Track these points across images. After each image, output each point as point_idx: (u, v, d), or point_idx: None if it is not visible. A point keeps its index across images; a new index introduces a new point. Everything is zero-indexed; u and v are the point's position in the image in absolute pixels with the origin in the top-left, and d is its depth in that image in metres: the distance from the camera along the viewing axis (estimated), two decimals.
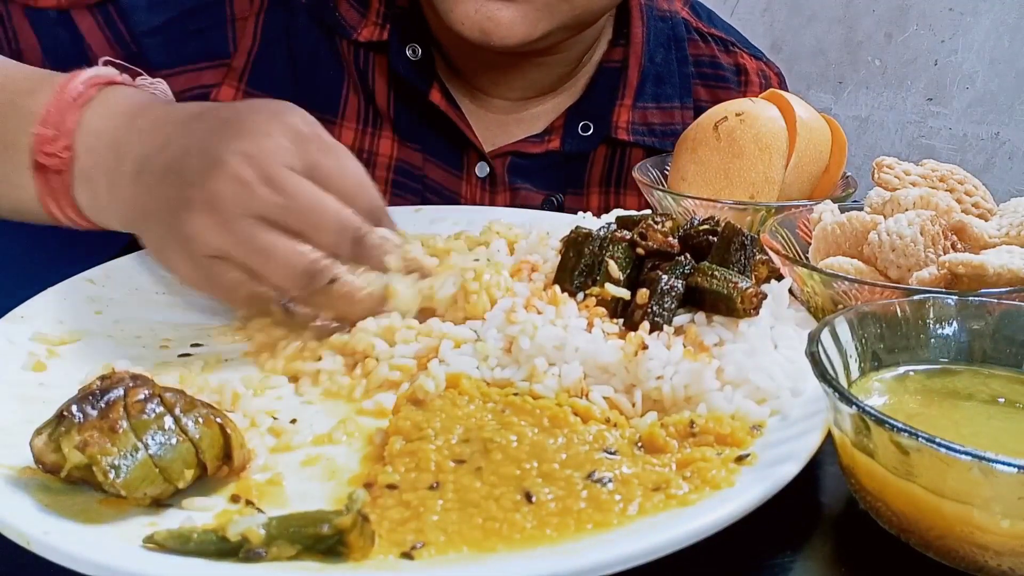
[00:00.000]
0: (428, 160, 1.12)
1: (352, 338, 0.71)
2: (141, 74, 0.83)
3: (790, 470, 0.54)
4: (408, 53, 1.08)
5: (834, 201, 0.83)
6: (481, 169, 1.12)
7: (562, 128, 1.13)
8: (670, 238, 0.73)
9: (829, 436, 0.57)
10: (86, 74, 0.76)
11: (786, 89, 1.16)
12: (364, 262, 0.71)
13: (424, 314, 0.74)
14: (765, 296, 0.68)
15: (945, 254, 0.71)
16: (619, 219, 0.79)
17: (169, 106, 0.78)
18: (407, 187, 1.12)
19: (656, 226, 0.74)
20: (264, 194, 0.67)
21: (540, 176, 1.13)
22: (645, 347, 0.64)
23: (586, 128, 1.13)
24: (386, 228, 0.74)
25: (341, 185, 0.71)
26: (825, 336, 0.57)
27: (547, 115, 1.15)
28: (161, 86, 0.84)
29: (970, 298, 0.61)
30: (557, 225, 0.91)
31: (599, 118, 1.13)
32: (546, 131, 1.14)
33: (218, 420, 0.56)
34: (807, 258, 0.79)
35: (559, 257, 0.75)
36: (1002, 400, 0.57)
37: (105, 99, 0.76)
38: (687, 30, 1.19)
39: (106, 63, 0.80)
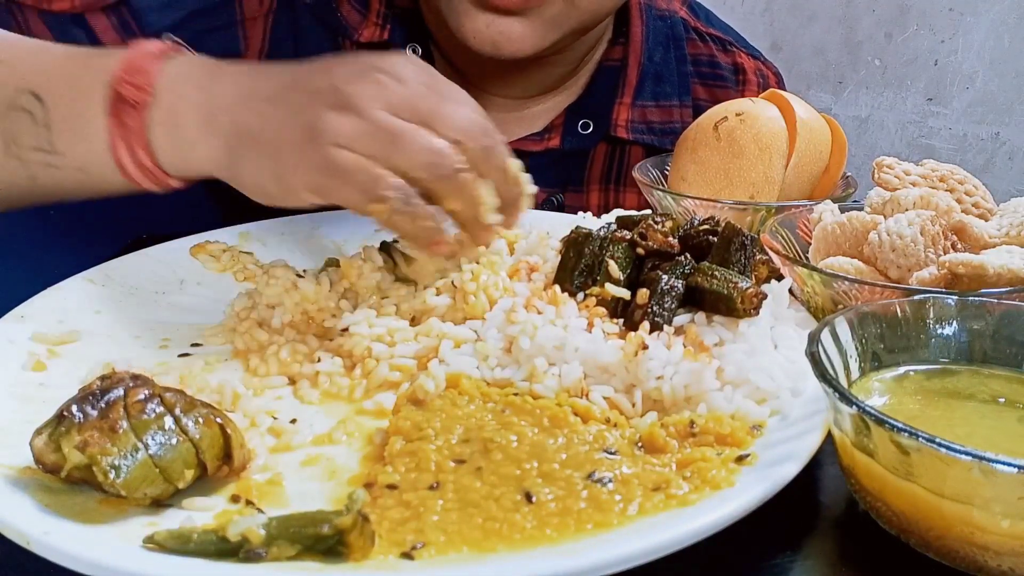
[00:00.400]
0: None
1: (349, 341, 0.71)
2: None
3: (790, 470, 0.53)
4: (409, 53, 1.08)
5: (834, 201, 0.83)
6: None
7: (562, 126, 1.13)
8: (670, 238, 0.73)
9: (829, 436, 0.57)
10: (157, 41, 0.77)
11: (784, 89, 1.16)
12: (485, 174, 0.72)
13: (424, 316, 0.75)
14: (765, 296, 0.68)
15: (945, 254, 0.71)
16: (619, 219, 0.79)
17: (255, 62, 0.80)
18: None
19: (656, 226, 0.74)
20: (392, 88, 0.69)
21: (540, 174, 1.13)
22: (645, 347, 0.64)
23: (586, 126, 1.13)
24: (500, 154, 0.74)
25: (456, 103, 0.73)
26: (825, 336, 0.57)
27: (547, 113, 1.15)
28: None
29: (970, 298, 0.61)
30: (557, 225, 0.91)
31: (599, 116, 1.13)
32: (546, 129, 1.14)
33: (218, 420, 0.56)
34: (807, 258, 0.79)
35: (559, 257, 0.75)
36: (1002, 400, 0.57)
37: (185, 54, 0.77)
38: (685, 29, 1.20)
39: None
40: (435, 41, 1.10)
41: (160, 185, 0.77)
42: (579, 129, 1.13)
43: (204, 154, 0.74)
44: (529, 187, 0.78)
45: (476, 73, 1.12)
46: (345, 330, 0.73)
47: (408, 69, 0.72)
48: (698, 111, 1.13)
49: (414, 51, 1.08)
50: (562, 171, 1.15)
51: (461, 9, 0.97)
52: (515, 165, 0.76)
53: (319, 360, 0.71)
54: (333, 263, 0.84)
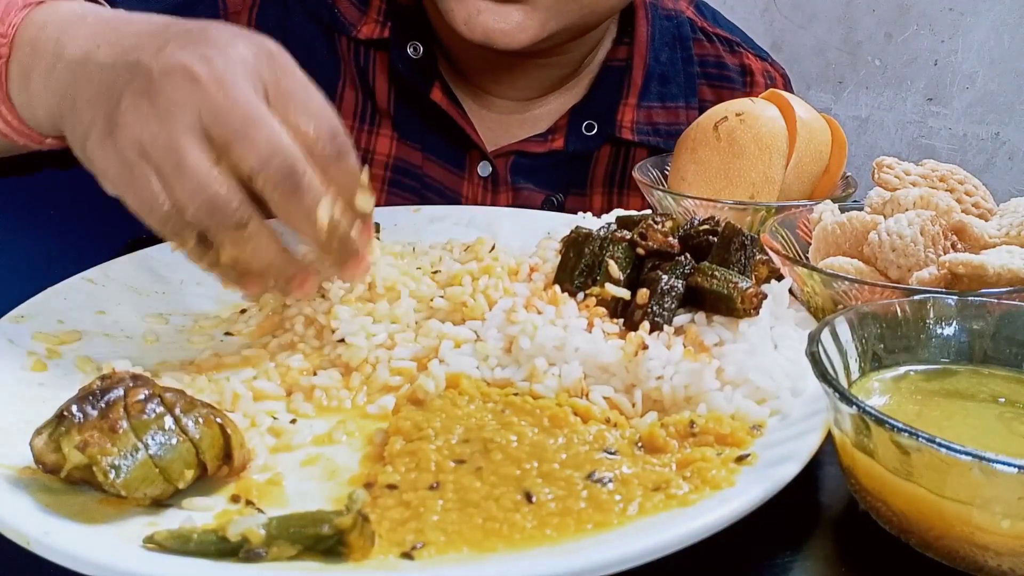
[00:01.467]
0: (428, 159, 1.12)
1: (347, 351, 0.70)
2: None
3: (790, 470, 0.53)
4: (409, 51, 1.07)
5: (834, 201, 0.83)
6: (483, 168, 1.12)
7: (566, 127, 1.13)
8: (670, 238, 0.73)
9: (829, 436, 0.57)
10: None
11: (791, 90, 1.16)
12: (296, 199, 0.61)
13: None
14: (765, 296, 0.68)
15: (945, 254, 0.71)
16: (619, 219, 0.79)
17: (127, 13, 0.71)
18: (405, 186, 1.11)
19: (656, 226, 0.74)
20: (207, 92, 0.60)
21: (543, 176, 1.13)
22: (645, 347, 0.64)
23: (590, 128, 1.12)
24: (348, 163, 0.64)
25: (302, 106, 0.63)
26: (825, 336, 0.57)
27: (551, 115, 1.15)
28: None
29: (970, 298, 0.61)
30: (557, 225, 0.91)
31: (603, 117, 1.12)
32: (550, 130, 1.13)
33: (218, 420, 0.56)
34: (807, 258, 0.79)
35: (559, 257, 0.75)
36: (1002, 400, 0.57)
37: (58, 3, 0.71)
38: (692, 29, 1.19)
39: None
40: (437, 40, 1.10)
41: (33, 141, 0.72)
42: (583, 131, 1.12)
43: (43, 110, 0.69)
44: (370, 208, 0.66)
45: (478, 72, 1.11)
46: (341, 340, 0.72)
47: (237, 69, 0.62)
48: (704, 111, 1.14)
49: (415, 49, 1.08)
50: (565, 173, 1.14)
51: None
52: (323, 209, 0.62)
53: (315, 374, 0.69)
54: None
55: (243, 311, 0.81)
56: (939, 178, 0.81)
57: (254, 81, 0.62)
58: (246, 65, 0.62)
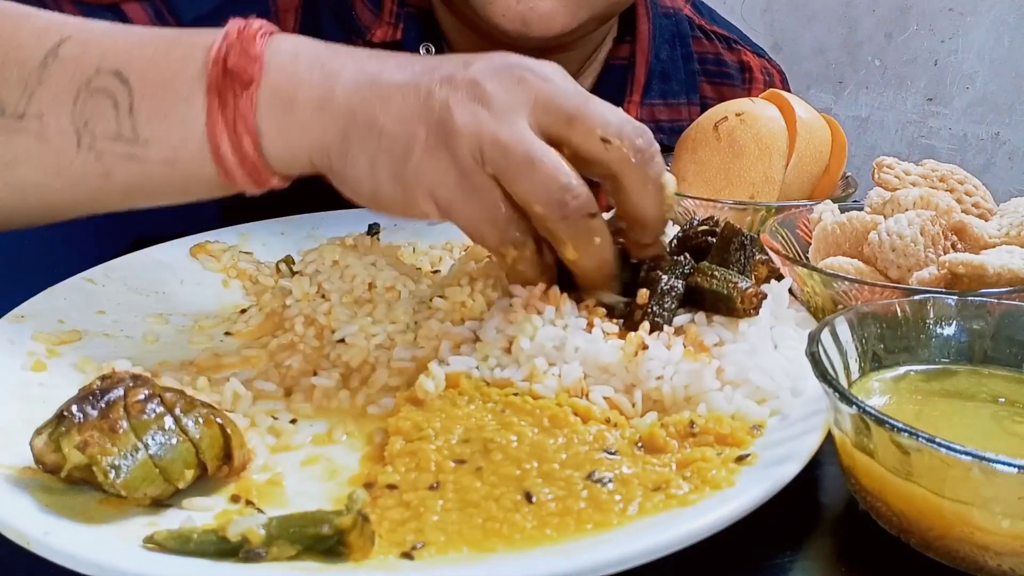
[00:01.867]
0: None
1: (348, 352, 0.70)
2: None
3: (790, 470, 0.53)
4: (422, 52, 1.07)
5: (834, 201, 0.83)
6: None
7: None
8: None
9: (829, 436, 0.57)
10: (253, 19, 0.66)
11: (788, 87, 1.16)
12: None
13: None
14: (765, 296, 0.68)
15: (945, 254, 0.71)
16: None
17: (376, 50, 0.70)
18: None
19: None
20: (536, 87, 0.62)
21: None
22: (645, 347, 0.64)
23: None
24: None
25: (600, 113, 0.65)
26: (825, 336, 0.57)
27: None
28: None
29: (970, 298, 0.61)
30: None
31: None
32: None
33: (218, 420, 0.56)
34: (807, 258, 0.79)
35: None
36: (1002, 400, 0.57)
37: (291, 36, 0.67)
38: (690, 27, 1.19)
39: None
40: (448, 42, 1.09)
41: (257, 182, 0.66)
42: None
43: (315, 139, 0.63)
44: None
45: None
46: (341, 341, 0.72)
47: (550, 68, 0.65)
48: (705, 109, 1.13)
49: (427, 51, 1.07)
50: None
51: None
52: (670, 183, 0.67)
53: (315, 374, 0.69)
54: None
55: (243, 311, 0.81)
56: (939, 178, 0.81)
57: (528, 114, 0.62)
58: (550, 65, 0.65)
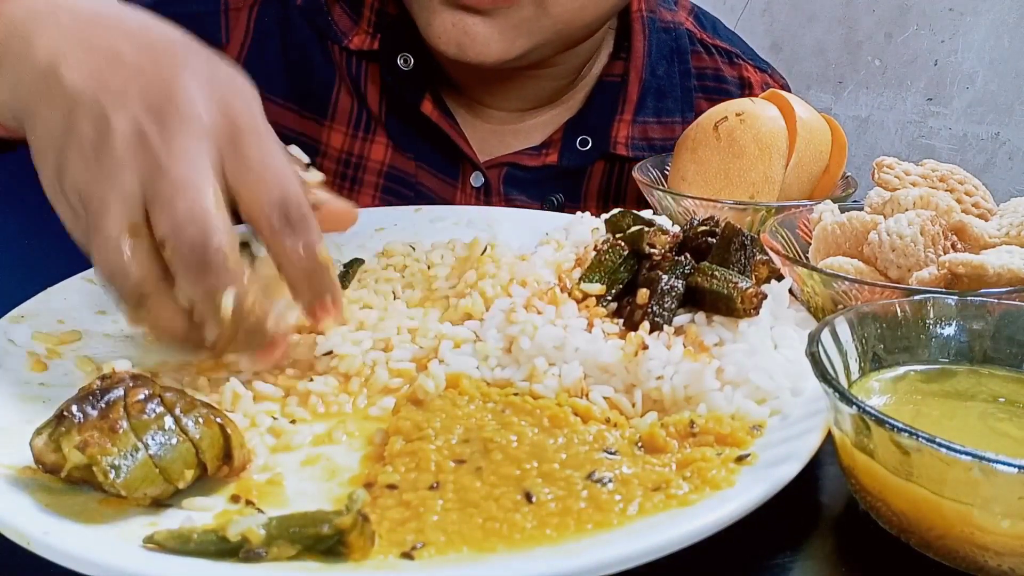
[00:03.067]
0: (421, 168, 1.11)
1: (341, 363, 0.69)
2: None
3: (790, 470, 0.53)
4: (400, 62, 1.07)
5: (834, 201, 0.83)
6: (476, 179, 1.11)
7: (560, 142, 1.12)
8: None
9: (829, 436, 0.57)
10: None
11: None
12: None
13: None
14: (765, 296, 0.68)
15: (945, 254, 0.71)
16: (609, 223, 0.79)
17: (104, 10, 0.65)
18: (399, 194, 1.11)
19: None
20: (149, 157, 0.56)
21: (536, 188, 1.12)
22: (645, 347, 0.64)
23: (584, 143, 1.11)
24: (304, 236, 0.60)
25: (256, 173, 0.59)
26: (825, 336, 0.57)
27: (545, 127, 1.14)
28: None
29: (970, 298, 0.61)
30: (557, 225, 0.91)
31: (598, 133, 1.11)
32: (544, 144, 1.12)
33: (218, 420, 0.56)
34: (807, 258, 0.79)
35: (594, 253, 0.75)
36: (1002, 400, 0.57)
37: None
38: (691, 41, 1.18)
39: None
40: (428, 51, 1.08)
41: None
42: (577, 145, 1.11)
43: (7, 107, 0.63)
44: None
45: (470, 84, 1.10)
46: (328, 353, 0.70)
47: (209, 116, 0.59)
48: None
49: (405, 61, 1.07)
50: (559, 186, 1.13)
51: (429, 7, 0.95)
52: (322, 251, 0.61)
53: (311, 380, 0.68)
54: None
55: None
56: (939, 178, 0.81)
57: (208, 146, 0.58)
58: (202, 128, 0.58)
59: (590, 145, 1.11)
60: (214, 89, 0.60)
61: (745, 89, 1.19)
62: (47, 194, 0.61)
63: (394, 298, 0.80)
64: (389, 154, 1.11)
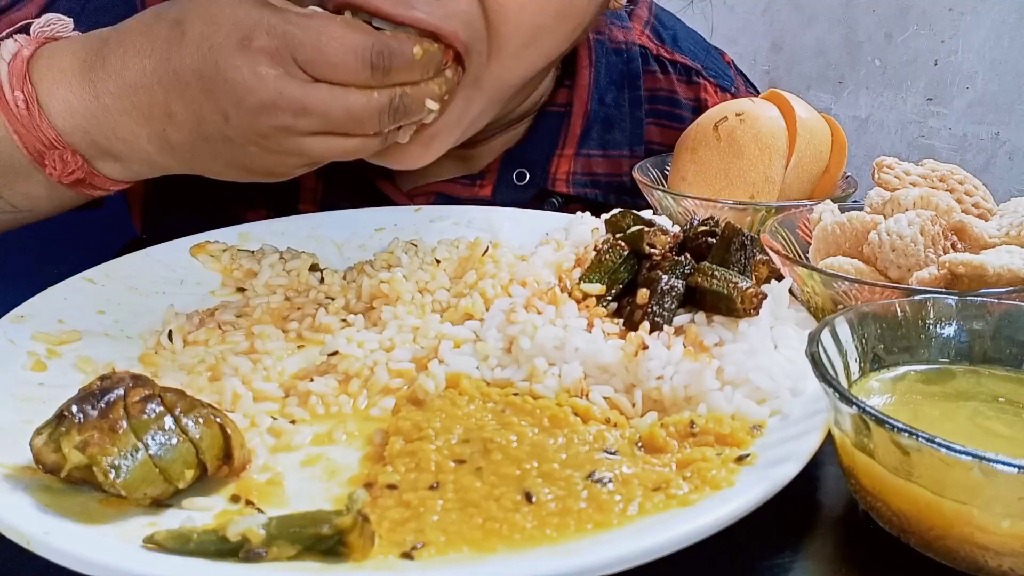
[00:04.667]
0: (345, 197, 1.04)
1: (343, 363, 0.69)
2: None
3: (790, 470, 0.53)
4: None
5: (834, 201, 0.83)
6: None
7: (496, 175, 1.04)
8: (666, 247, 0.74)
9: (829, 436, 0.57)
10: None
11: None
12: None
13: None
14: (765, 296, 0.68)
15: (945, 254, 0.71)
16: (608, 222, 0.79)
17: (117, 36, 0.75)
18: None
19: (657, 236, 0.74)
20: (272, 18, 0.69)
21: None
22: (645, 347, 0.64)
23: (521, 176, 1.04)
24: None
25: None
26: (825, 336, 0.57)
27: (481, 157, 1.06)
28: (58, 23, 0.78)
29: (970, 298, 0.61)
30: (557, 225, 0.91)
31: (536, 166, 1.04)
32: (480, 174, 1.05)
33: (218, 420, 0.56)
34: (807, 258, 0.79)
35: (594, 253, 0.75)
36: (1002, 400, 0.57)
37: (43, 74, 0.74)
38: (645, 60, 1.09)
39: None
40: None
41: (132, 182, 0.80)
42: (514, 179, 1.04)
43: (153, 149, 0.76)
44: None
45: None
46: (334, 353, 0.71)
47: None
48: (651, 156, 1.04)
49: None
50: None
51: None
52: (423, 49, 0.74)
53: (311, 380, 0.68)
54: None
55: (244, 308, 0.81)
56: (939, 178, 0.81)
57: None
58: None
59: (527, 179, 1.04)
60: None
61: (700, 112, 1.04)
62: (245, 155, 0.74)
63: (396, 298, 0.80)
64: (321, 189, 1.05)
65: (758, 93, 1.14)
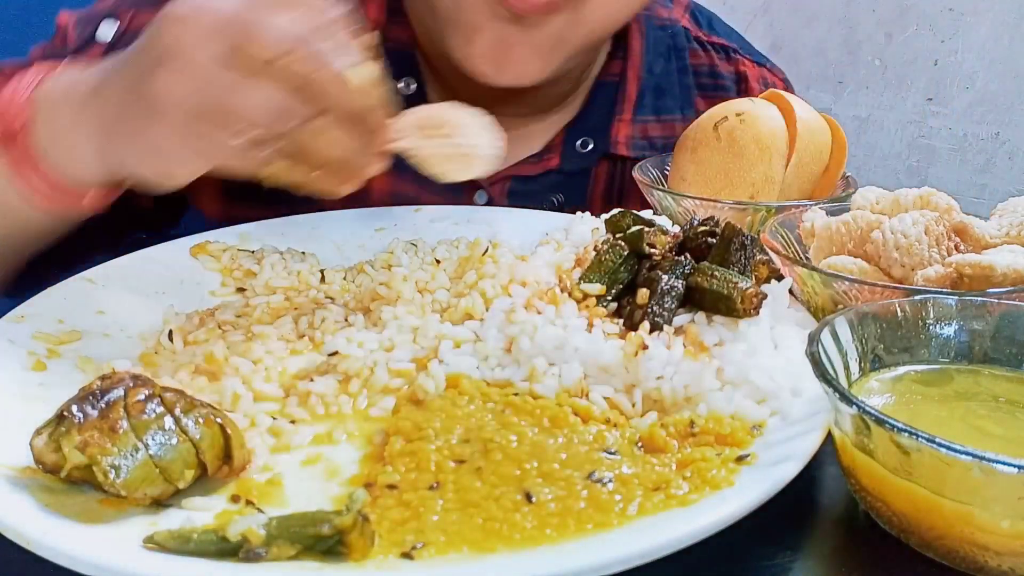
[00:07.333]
0: (423, 189, 1.07)
1: (344, 362, 0.69)
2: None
3: (790, 470, 0.53)
4: (401, 87, 1.06)
5: (834, 201, 0.83)
6: (480, 196, 1.10)
7: (561, 145, 1.11)
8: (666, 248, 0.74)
9: (829, 436, 0.57)
10: (27, 77, 0.77)
11: (792, 92, 1.14)
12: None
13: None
14: (765, 296, 0.68)
15: (949, 254, 0.71)
16: (608, 222, 0.79)
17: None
18: None
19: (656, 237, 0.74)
20: (213, 20, 0.64)
21: (540, 196, 1.11)
22: (645, 347, 0.64)
23: (585, 144, 1.11)
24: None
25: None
26: (825, 336, 0.57)
27: (546, 132, 1.13)
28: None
29: (970, 298, 0.61)
30: (557, 225, 0.91)
31: (598, 134, 1.11)
32: (545, 149, 1.12)
33: (218, 420, 0.56)
34: (807, 258, 0.79)
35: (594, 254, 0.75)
36: (1002, 400, 0.57)
37: (54, 75, 0.77)
38: (687, 39, 1.18)
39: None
40: (434, 76, 1.06)
41: (73, 205, 0.77)
42: (578, 147, 1.11)
43: (88, 149, 0.73)
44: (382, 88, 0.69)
45: (476, 101, 1.06)
46: (334, 353, 0.71)
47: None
48: None
49: (407, 85, 1.06)
50: (563, 191, 1.12)
51: (472, 22, 0.93)
52: (361, 72, 0.67)
53: (311, 380, 0.68)
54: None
55: (244, 308, 0.81)
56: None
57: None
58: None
59: (591, 147, 1.11)
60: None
61: (742, 83, 1.19)
62: (174, 156, 0.68)
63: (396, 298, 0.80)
64: (390, 181, 1.07)
65: (783, 73, 1.24)
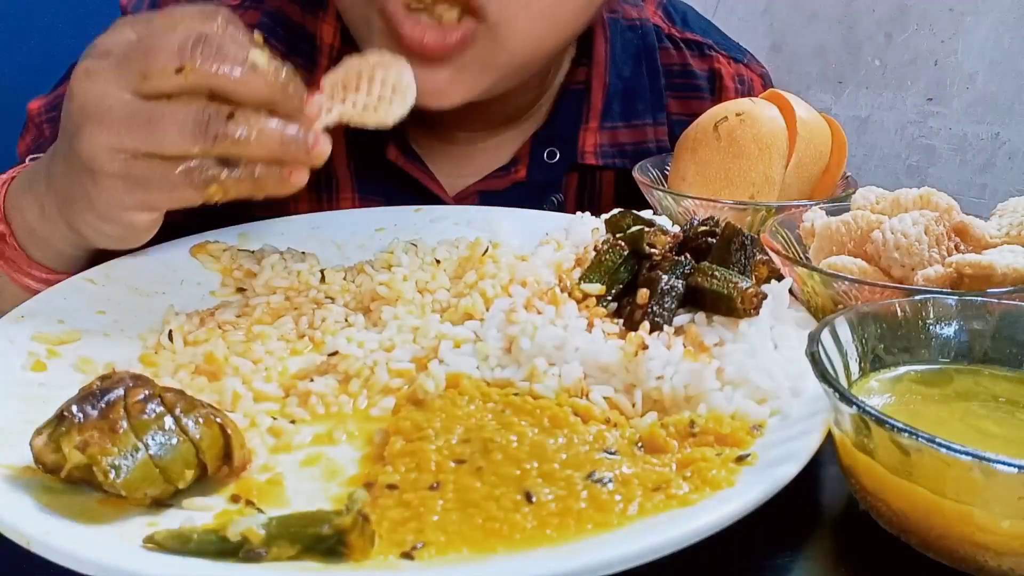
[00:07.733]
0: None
1: (344, 362, 0.69)
2: None
3: (790, 470, 0.53)
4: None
5: (834, 201, 0.83)
6: None
7: (528, 156, 1.08)
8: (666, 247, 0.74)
9: (829, 436, 0.57)
10: None
11: (771, 89, 1.13)
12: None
13: None
14: (765, 296, 0.68)
15: (949, 254, 0.71)
16: (608, 222, 0.79)
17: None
18: None
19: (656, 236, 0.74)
20: (115, 59, 0.67)
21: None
22: (645, 347, 0.64)
23: (552, 155, 1.08)
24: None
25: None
26: (825, 336, 0.57)
27: (513, 142, 1.10)
28: None
29: (970, 298, 0.61)
30: (557, 225, 0.91)
31: (565, 142, 1.08)
32: (512, 161, 1.08)
33: (218, 420, 0.56)
34: (807, 258, 0.79)
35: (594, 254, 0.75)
36: (1002, 400, 0.57)
37: (19, 175, 0.82)
38: (658, 38, 1.13)
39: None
40: None
41: (72, 274, 0.82)
42: (545, 158, 1.07)
43: (58, 236, 0.78)
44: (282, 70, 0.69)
45: (434, 116, 1.01)
46: (334, 353, 0.71)
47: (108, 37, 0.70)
48: (673, 127, 1.08)
49: None
50: (533, 205, 1.06)
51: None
52: (260, 58, 0.68)
53: (311, 380, 0.69)
54: None
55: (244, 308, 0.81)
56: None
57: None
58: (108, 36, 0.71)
59: (557, 157, 1.08)
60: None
61: (716, 81, 1.14)
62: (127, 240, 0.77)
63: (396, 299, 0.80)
64: (357, 206, 1.06)
65: (764, 69, 1.19)
